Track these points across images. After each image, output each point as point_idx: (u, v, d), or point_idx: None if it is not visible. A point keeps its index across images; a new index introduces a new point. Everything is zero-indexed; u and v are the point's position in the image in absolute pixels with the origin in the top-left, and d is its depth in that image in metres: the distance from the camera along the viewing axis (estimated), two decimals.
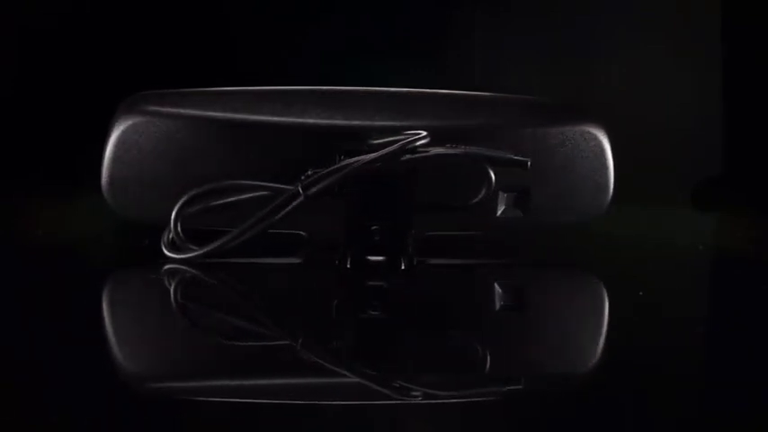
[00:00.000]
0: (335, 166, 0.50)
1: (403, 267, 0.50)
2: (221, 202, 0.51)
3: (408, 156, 0.50)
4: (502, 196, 0.54)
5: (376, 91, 0.55)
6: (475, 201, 0.52)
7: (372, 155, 0.50)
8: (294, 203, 0.50)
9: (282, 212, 0.50)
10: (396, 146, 0.50)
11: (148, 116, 0.55)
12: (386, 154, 0.50)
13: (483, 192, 0.52)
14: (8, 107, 0.83)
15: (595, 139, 0.55)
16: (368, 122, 0.53)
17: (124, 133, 0.55)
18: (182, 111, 0.55)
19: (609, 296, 0.51)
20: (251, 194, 0.51)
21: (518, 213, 0.54)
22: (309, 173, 0.50)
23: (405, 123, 0.53)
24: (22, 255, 0.57)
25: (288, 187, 0.50)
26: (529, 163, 0.52)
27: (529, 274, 0.56)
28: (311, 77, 0.59)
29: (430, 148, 0.51)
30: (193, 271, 0.51)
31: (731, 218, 0.76)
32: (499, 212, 0.54)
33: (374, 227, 0.51)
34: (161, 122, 0.54)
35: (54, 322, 0.43)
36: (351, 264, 0.50)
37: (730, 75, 0.84)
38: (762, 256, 0.61)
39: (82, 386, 0.35)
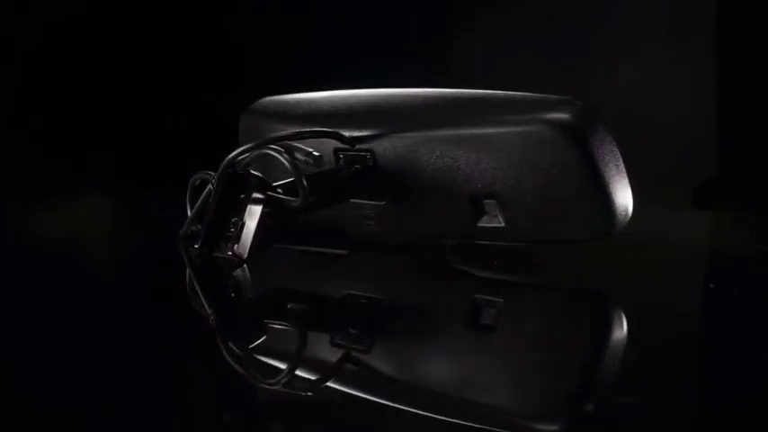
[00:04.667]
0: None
1: (237, 257, 0.51)
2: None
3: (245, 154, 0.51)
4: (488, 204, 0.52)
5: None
6: (300, 203, 0.50)
7: (238, 150, 0.51)
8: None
9: (212, 203, 0.52)
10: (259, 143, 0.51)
11: (253, 119, 0.58)
12: (246, 149, 0.51)
13: (301, 195, 0.50)
14: (9, 108, 0.83)
15: (560, 141, 0.49)
16: None
17: (241, 133, 0.58)
18: (277, 115, 0.57)
19: (606, 298, 0.51)
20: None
21: (498, 222, 0.51)
22: None
23: None
24: (23, 255, 0.57)
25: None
26: (312, 154, 0.50)
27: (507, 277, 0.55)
28: (311, 77, 0.59)
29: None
30: None
31: (731, 218, 0.76)
32: (482, 222, 0.52)
33: (234, 219, 0.51)
34: (259, 124, 0.57)
35: (54, 322, 0.43)
36: (201, 251, 0.51)
37: (731, 76, 0.84)
38: (762, 255, 0.61)
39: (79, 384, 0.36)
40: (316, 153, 0.50)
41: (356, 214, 0.54)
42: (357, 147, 0.53)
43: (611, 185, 0.49)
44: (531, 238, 0.52)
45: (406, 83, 0.56)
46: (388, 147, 0.53)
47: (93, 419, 0.33)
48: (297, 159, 0.50)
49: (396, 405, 0.35)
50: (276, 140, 0.51)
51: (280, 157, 0.50)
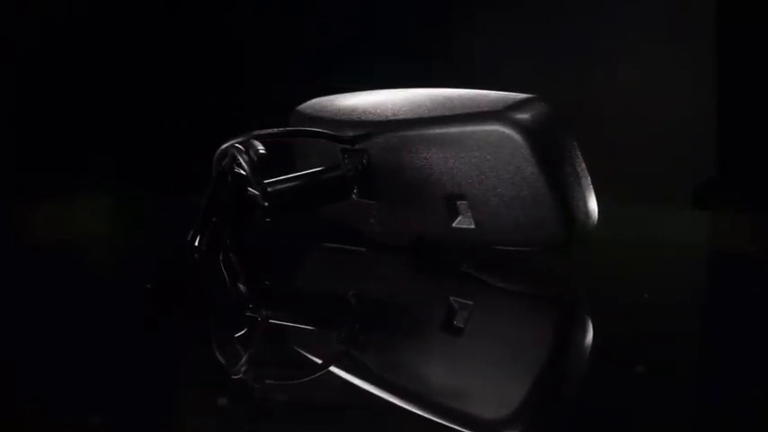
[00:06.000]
0: None
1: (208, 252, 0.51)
2: None
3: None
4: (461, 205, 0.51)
5: None
6: (260, 201, 0.51)
7: (221, 148, 0.51)
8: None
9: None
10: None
11: (295, 120, 0.56)
12: (224, 147, 0.51)
13: (259, 192, 0.50)
14: (9, 108, 0.83)
15: (511, 141, 0.48)
16: None
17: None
18: (311, 117, 0.56)
19: (605, 298, 0.51)
20: None
21: (470, 224, 0.51)
22: None
23: None
24: (23, 255, 0.57)
25: None
26: (258, 153, 0.50)
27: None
28: (311, 77, 0.59)
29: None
30: None
31: (731, 218, 0.76)
32: (455, 223, 0.51)
33: (213, 219, 0.52)
34: (300, 126, 0.56)
35: (54, 322, 0.43)
36: (190, 247, 0.52)
37: (731, 76, 0.84)
38: (762, 256, 0.61)
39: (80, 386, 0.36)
40: (261, 151, 0.50)
41: (363, 213, 0.55)
42: (356, 147, 0.53)
43: (567, 190, 0.48)
44: (498, 241, 0.51)
45: (406, 83, 0.56)
46: (377, 146, 0.53)
47: (92, 420, 0.33)
48: (252, 157, 0.50)
49: (373, 403, 0.35)
50: (250, 137, 0.51)
51: (239, 156, 0.50)
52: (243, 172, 0.51)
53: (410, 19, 0.87)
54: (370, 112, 0.54)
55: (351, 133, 0.53)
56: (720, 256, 0.64)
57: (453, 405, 0.35)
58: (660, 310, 0.47)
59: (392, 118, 0.53)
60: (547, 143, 0.48)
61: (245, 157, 0.50)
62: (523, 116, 0.48)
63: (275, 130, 0.53)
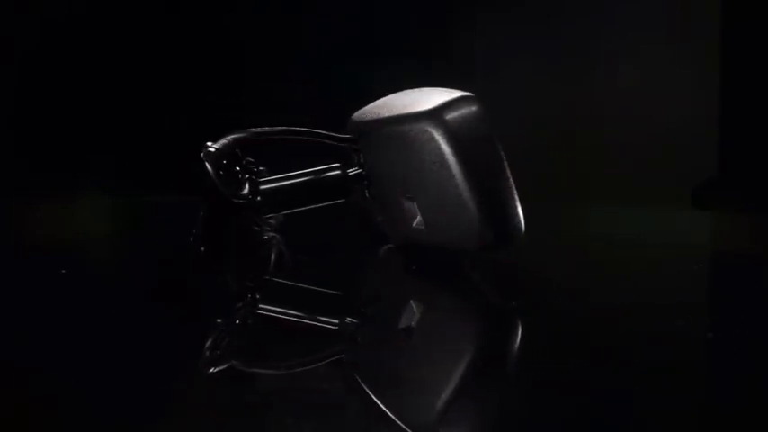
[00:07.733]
0: None
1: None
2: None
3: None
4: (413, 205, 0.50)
5: None
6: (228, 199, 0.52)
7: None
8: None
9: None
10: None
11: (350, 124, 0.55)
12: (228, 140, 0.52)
13: (222, 190, 0.51)
14: (9, 108, 0.84)
15: (433, 140, 0.47)
16: None
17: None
18: (355, 122, 0.54)
19: (605, 298, 0.51)
20: None
21: (422, 225, 0.50)
22: None
23: None
24: (23, 255, 0.57)
25: None
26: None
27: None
28: (311, 77, 0.59)
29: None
30: None
31: (731, 218, 0.76)
32: (414, 223, 0.50)
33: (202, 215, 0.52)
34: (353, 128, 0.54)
35: (54, 322, 0.43)
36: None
37: (731, 76, 0.84)
38: (762, 256, 0.61)
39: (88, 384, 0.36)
40: (209, 150, 0.51)
41: (374, 213, 0.55)
42: (356, 147, 0.53)
43: (484, 192, 0.46)
44: (441, 243, 0.50)
45: (406, 83, 0.56)
46: (365, 146, 0.53)
47: (91, 420, 0.33)
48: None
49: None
50: (248, 134, 0.52)
51: (204, 159, 0.51)
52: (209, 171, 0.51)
53: (410, 19, 0.87)
54: (369, 113, 0.54)
55: (349, 134, 0.53)
56: (720, 255, 0.64)
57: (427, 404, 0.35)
58: (660, 310, 0.47)
59: (372, 118, 0.52)
60: (462, 142, 0.46)
61: (202, 155, 0.51)
62: (446, 116, 0.46)
63: (271, 129, 0.53)
